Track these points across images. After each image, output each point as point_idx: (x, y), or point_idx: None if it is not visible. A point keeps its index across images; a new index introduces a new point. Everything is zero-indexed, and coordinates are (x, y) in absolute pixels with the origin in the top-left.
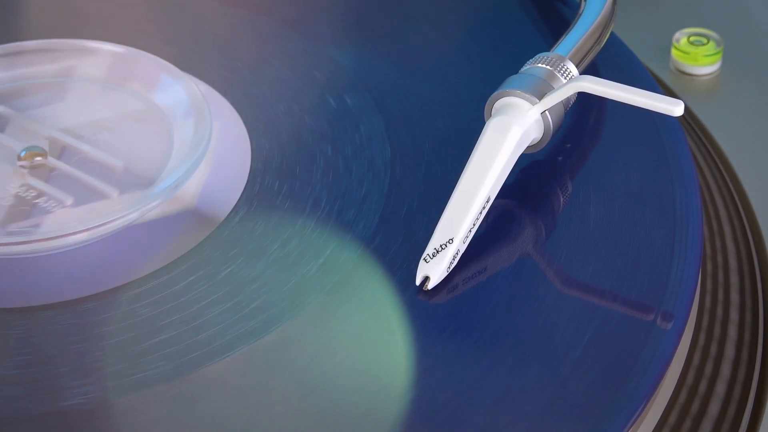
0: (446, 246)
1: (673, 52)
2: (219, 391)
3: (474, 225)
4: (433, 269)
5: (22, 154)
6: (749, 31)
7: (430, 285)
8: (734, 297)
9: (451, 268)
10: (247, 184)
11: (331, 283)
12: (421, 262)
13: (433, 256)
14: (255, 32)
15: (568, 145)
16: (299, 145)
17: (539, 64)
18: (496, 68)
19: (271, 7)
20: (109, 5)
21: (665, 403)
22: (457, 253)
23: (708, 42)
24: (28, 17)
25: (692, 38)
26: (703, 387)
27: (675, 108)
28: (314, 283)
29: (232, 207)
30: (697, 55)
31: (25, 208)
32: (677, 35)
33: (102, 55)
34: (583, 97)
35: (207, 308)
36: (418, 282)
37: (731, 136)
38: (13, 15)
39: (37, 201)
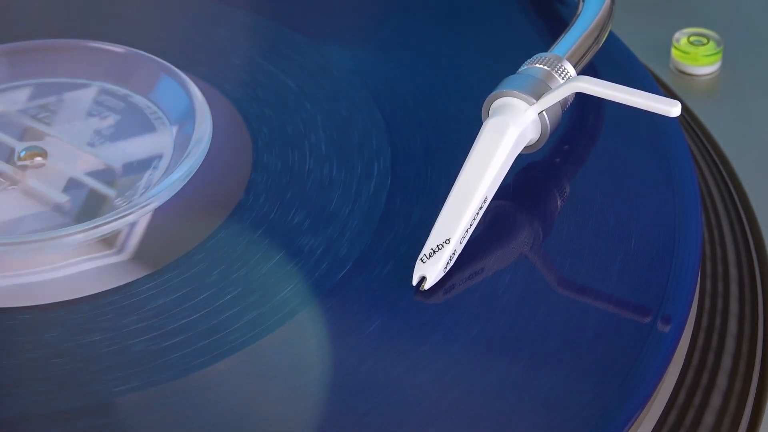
0: (443, 246)
1: (673, 52)
2: (213, 392)
3: (471, 225)
4: (430, 269)
5: (22, 154)
6: (749, 31)
7: (427, 285)
8: (734, 293)
9: (448, 268)
10: (247, 184)
11: (329, 284)
12: (418, 262)
13: (430, 256)
14: (255, 32)
15: (566, 147)
16: (300, 145)
17: (537, 65)
18: (493, 68)
19: (271, 6)
20: (109, 5)
21: (665, 403)
22: (453, 254)
23: (708, 42)
24: (28, 17)
25: (692, 38)
26: (704, 380)
27: (672, 108)
28: (313, 284)
29: (231, 208)
30: (697, 55)
31: (24, 208)
32: (677, 35)
33: (102, 55)
34: (581, 98)
35: (204, 309)
36: (414, 282)
37: (731, 136)
38: (13, 15)
39: (36, 201)
